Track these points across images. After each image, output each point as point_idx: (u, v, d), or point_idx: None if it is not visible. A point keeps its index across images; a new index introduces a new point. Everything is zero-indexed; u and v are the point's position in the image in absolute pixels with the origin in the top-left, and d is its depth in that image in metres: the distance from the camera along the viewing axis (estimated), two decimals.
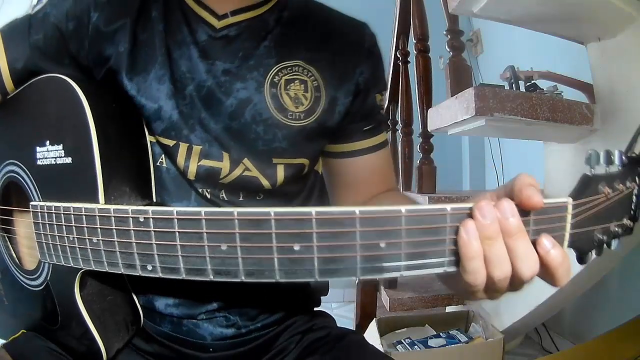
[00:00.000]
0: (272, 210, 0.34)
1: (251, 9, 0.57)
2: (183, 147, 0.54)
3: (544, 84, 1.37)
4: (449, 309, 1.80)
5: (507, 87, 1.40)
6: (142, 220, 0.39)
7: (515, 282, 0.36)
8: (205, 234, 0.36)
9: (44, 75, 0.53)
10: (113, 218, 0.41)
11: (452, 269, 0.35)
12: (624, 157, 0.40)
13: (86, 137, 0.46)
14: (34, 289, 0.55)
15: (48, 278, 0.52)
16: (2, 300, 0.63)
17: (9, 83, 0.55)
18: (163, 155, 0.55)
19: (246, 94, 0.54)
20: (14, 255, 0.59)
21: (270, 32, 0.57)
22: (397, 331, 1.56)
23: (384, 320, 1.62)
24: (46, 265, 0.52)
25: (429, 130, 1.50)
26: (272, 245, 0.34)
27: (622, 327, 1.33)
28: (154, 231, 0.38)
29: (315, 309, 0.69)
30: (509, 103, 1.09)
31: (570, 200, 0.37)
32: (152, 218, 0.38)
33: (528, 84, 1.38)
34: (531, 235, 0.36)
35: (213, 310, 0.57)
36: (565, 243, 0.37)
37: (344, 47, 0.60)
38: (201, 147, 0.54)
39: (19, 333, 0.57)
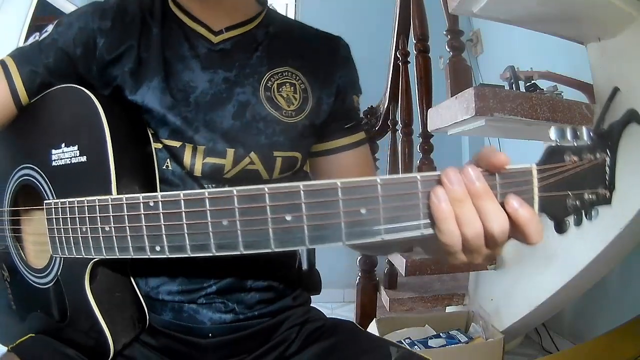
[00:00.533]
0: (266, 186, 0.39)
1: (242, 25, 0.65)
2: (189, 148, 0.59)
3: (544, 84, 1.37)
4: (449, 309, 1.80)
5: (507, 87, 1.40)
6: (152, 204, 0.43)
7: (489, 241, 0.39)
8: (208, 211, 0.41)
9: (59, 86, 0.57)
10: (125, 205, 0.44)
11: (428, 231, 0.39)
12: (591, 134, 0.41)
13: (101, 137, 0.50)
14: (44, 286, 0.57)
15: (59, 273, 0.54)
16: (10, 304, 0.65)
17: (24, 98, 0.59)
18: (168, 159, 0.59)
19: (245, 98, 0.61)
20: (23, 255, 0.61)
21: (261, 44, 0.65)
22: (397, 331, 1.56)
23: (384, 320, 1.62)
24: (57, 261, 0.54)
25: (429, 130, 1.50)
26: (267, 217, 0.39)
27: (622, 327, 1.33)
28: (163, 213, 0.42)
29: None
30: (509, 103, 1.09)
31: (534, 165, 0.40)
32: (161, 201, 0.42)
33: (528, 84, 1.38)
34: (500, 198, 0.39)
35: (212, 293, 0.60)
36: (536, 206, 0.40)
37: (323, 56, 0.68)
38: (205, 146, 0.59)
39: (27, 337, 0.58)
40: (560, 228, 0.42)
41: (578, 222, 0.42)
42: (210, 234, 0.41)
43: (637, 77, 1.06)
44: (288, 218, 0.39)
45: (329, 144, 0.69)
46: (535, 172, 0.40)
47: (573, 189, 0.41)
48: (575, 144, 0.41)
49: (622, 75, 1.10)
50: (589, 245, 1.17)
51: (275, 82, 0.63)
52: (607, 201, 0.42)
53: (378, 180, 0.38)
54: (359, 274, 1.86)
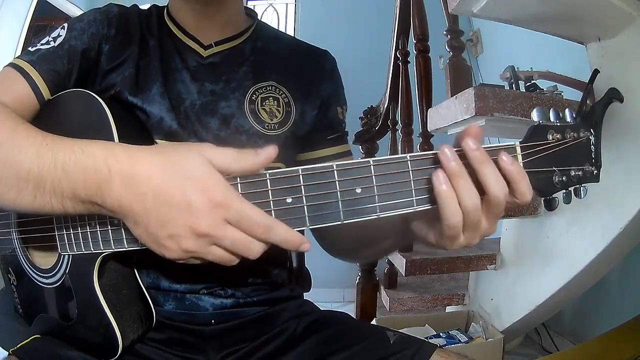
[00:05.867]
0: (267, 172, 0.42)
1: (230, 40, 0.68)
2: None
3: (544, 84, 1.38)
4: (449, 309, 1.80)
5: (507, 87, 1.40)
6: None
7: (488, 211, 0.41)
8: None
9: (68, 91, 0.59)
10: None
11: (421, 207, 0.41)
12: (574, 114, 0.43)
13: (109, 136, 0.52)
14: (51, 286, 0.58)
15: (67, 271, 0.55)
16: (17, 308, 0.65)
17: (47, 94, 0.60)
18: None
19: (230, 111, 0.64)
20: (30, 257, 0.62)
21: (247, 59, 0.68)
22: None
23: (384, 320, 1.63)
24: (64, 259, 0.55)
25: (429, 130, 1.50)
26: (269, 200, 0.41)
27: (622, 327, 1.33)
28: None
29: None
30: (509, 103, 1.10)
31: (517, 142, 0.42)
32: None
33: (528, 84, 1.38)
34: None
35: (212, 283, 0.63)
36: None
37: (309, 69, 0.71)
38: None
39: (29, 339, 0.59)
40: (550, 205, 0.44)
41: (567, 200, 0.44)
42: None
43: (637, 77, 1.06)
44: (289, 200, 0.41)
45: (312, 154, 0.71)
46: (518, 149, 0.42)
47: (558, 166, 0.43)
48: (558, 124, 0.43)
49: (622, 75, 1.10)
50: (589, 245, 1.18)
51: (260, 96, 0.66)
52: (595, 178, 0.44)
53: (371, 161, 0.41)
54: (359, 274, 1.86)
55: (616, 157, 1.04)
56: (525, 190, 0.41)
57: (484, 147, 0.41)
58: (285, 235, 0.40)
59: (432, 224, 0.45)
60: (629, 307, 1.49)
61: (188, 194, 0.39)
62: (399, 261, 1.52)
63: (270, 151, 0.41)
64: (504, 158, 0.40)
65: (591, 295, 1.56)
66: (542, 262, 1.35)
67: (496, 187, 0.40)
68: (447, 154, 0.40)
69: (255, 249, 0.41)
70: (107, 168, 0.40)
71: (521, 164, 0.42)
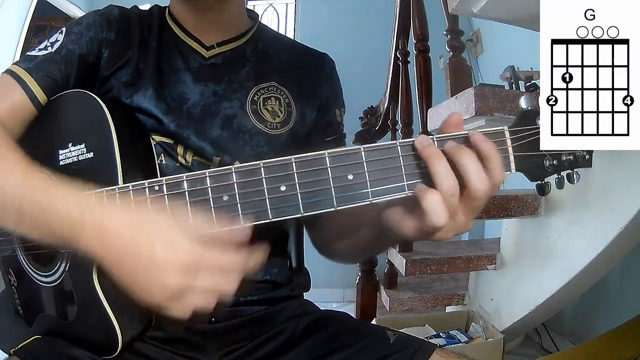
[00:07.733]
0: (261, 161, 0.43)
1: (232, 41, 0.69)
2: (180, 147, 0.63)
3: None
4: (449, 309, 1.80)
5: (507, 87, 1.40)
6: (157, 188, 0.46)
7: (467, 199, 0.41)
8: (209, 188, 0.44)
9: (68, 91, 0.59)
10: (131, 192, 0.47)
11: (412, 191, 0.42)
12: None
13: (107, 133, 0.53)
14: (51, 284, 0.58)
15: (66, 269, 0.55)
16: (17, 309, 0.65)
17: (44, 100, 0.60)
18: (162, 154, 0.63)
19: (232, 111, 0.65)
20: (30, 257, 0.62)
21: (249, 60, 0.69)
22: None
23: (384, 320, 1.63)
24: (64, 257, 0.55)
25: (429, 130, 1.50)
26: (264, 189, 0.42)
27: (622, 327, 1.33)
28: (167, 195, 0.45)
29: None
30: (509, 103, 1.10)
31: (506, 127, 0.43)
32: (166, 184, 0.46)
33: (528, 84, 1.39)
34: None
35: None
36: (512, 165, 0.43)
37: (308, 72, 0.72)
38: (194, 149, 0.63)
39: (30, 339, 0.59)
40: (542, 189, 0.44)
41: (560, 185, 0.44)
42: (213, 209, 0.44)
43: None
44: (282, 188, 0.42)
45: None
46: (507, 134, 0.43)
47: (549, 150, 0.43)
48: None
49: None
50: (589, 245, 1.18)
51: (262, 97, 0.67)
52: (588, 163, 0.44)
53: (362, 148, 0.42)
54: (359, 274, 1.86)
55: (616, 157, 1.04)
56: (498, 169, 0.40)
57: (474, 131, 0.41)
58: (256, 260, 0.44)
59: (410, 211, 0.44)
60: (629, 307, 1.49)
61: (156, 253, 0.41)
62: (399, 261, 1.52)
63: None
64: (476, 136, 0.40)
65: (591, 295, 1.56)
66: (542, 262, 1.35)
67: (473, 176, 0.40)
68: (422, 139, 0.41)
69: (230, 287, 0.43)
70: (81, 216, 0.43)
71: (511, 148, 0.43)
